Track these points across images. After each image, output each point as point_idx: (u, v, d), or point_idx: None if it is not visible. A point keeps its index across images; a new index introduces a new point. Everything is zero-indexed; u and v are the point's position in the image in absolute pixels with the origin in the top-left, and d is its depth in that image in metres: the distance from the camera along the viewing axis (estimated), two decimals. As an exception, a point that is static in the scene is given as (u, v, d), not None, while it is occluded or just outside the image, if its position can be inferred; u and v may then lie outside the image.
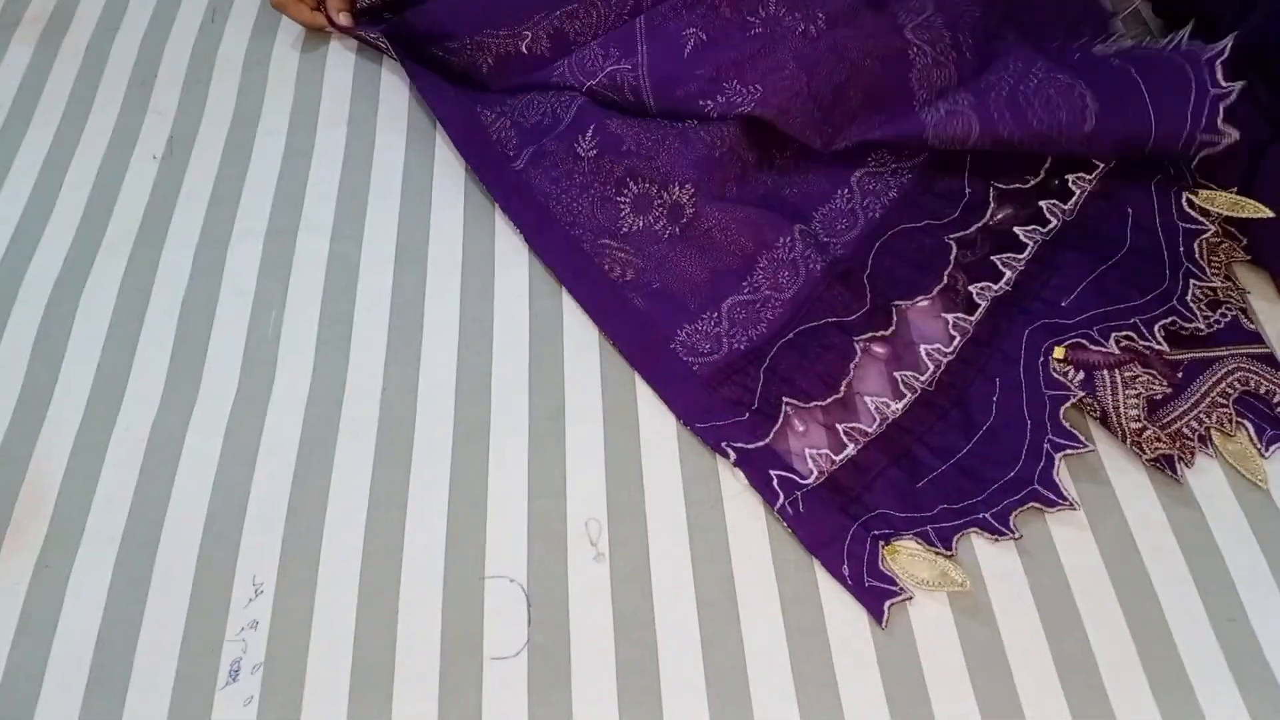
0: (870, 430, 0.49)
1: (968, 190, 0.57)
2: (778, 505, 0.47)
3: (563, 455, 0.50)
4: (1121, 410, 0.48)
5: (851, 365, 0.51)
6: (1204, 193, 0.52)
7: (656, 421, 0.51)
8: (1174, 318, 0.50)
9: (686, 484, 0.49)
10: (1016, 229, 0.55)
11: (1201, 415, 0.49)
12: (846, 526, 0.46)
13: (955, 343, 0.51)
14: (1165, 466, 0.48)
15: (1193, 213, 0.52)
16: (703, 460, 0.50)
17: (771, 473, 0.48)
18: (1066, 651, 0.44)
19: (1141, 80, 0.53)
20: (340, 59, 0.69)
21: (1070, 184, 0.55)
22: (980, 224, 0.55)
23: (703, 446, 0.50)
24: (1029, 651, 0.44)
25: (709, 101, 0.56)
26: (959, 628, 0.44)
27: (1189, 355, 0.50)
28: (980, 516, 0.47)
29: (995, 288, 0.53)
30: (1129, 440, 0.48)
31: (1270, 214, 0.50)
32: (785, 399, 0.50)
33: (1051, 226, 0.54)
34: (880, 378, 0.51)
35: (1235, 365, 0.50)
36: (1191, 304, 0.50)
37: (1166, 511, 0.47)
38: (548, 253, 0.57)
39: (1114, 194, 0.54)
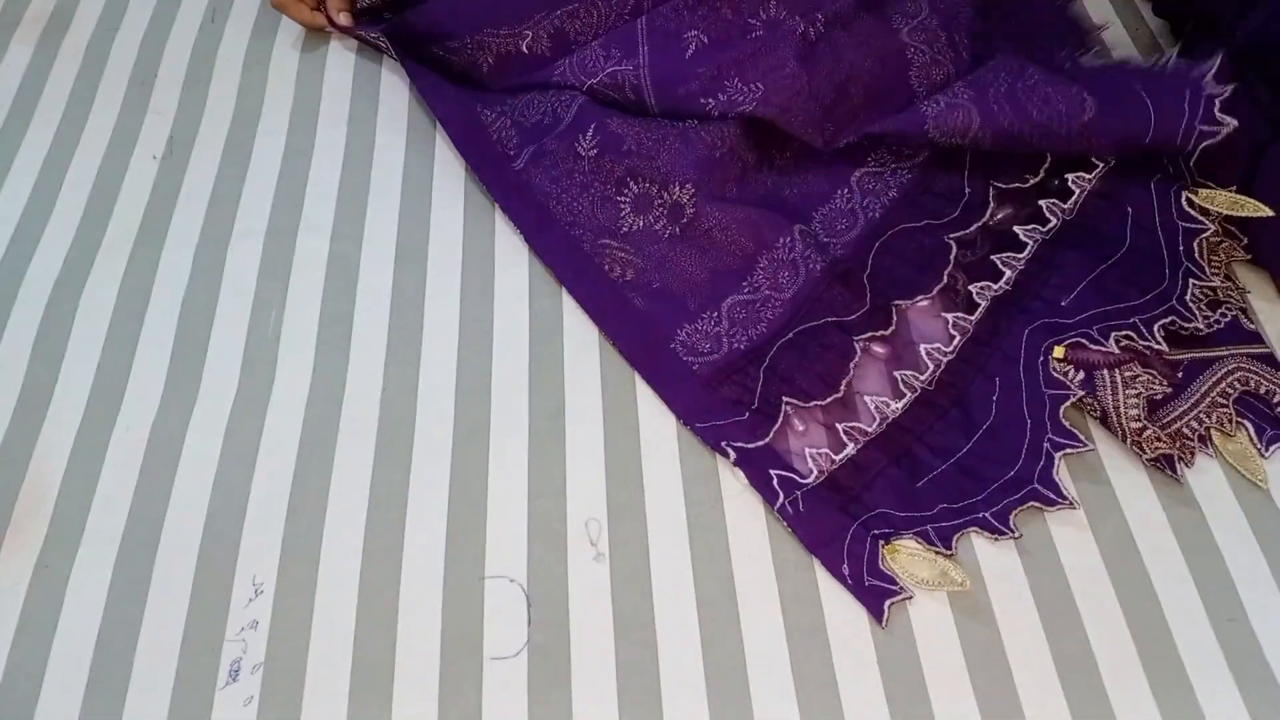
0: (870, 430, 0.49)
1: (967, 190, 0.57)
2: (778, 505, 0.47)
3: (563, 455, 0.50)
4: (1121, 410, 0.48)
5: (851, 365, 0.51)
6: (1204, 192, 0.52)
7: (656, 421, 0.51)
8: (1174, 317, 0.50)
9: (686, 484, 0.49)
10: (1016, 228, 0.55)
11: (1201, 415, 0.49)
12: (846, 526, 0.46)
13: (955, 342, 0.51)
14: (1165, 466, 0.48)
15: (1192, 212, 0.52)
16: (703, 460, 0.50)
17: (771, 472, 0.48)
18: (1066, 651, 0.44)
19: (1137, 82, 0.53)
20: (340, 59, 0.69)
21: (1070, 183, 0.55)
22: (980, 223, 0.55)
23: (703, 446, 0.50)
24: (1029, 651, 0.44)
25: (710, 100, 0.56)
26: (959, 627, 0.44)
27: (1189, 355, 0.50)
28: (980, 516, 0.47)
29: (995, 287, 0.53)
30: (1129, 440, 0.48)
31: (1270, 213, 0.50)
32: (785, 398, 0.50)
33: (1051, 226, 0.54)
34: (880, 377, 0.51)
35: (1235, 365, 0.50)
36: (1191, 303, 0.50)
37: (1166, 511, 0.47)
38: (548, 252, 0.57)
39: (1114, 193, 0.54)
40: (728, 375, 0.51)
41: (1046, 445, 0.48)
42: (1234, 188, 0.52)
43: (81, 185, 0.63)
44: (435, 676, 0.44)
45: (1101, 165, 0.55)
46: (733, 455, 0.48)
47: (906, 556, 0.46)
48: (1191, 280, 0.50)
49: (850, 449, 0.49)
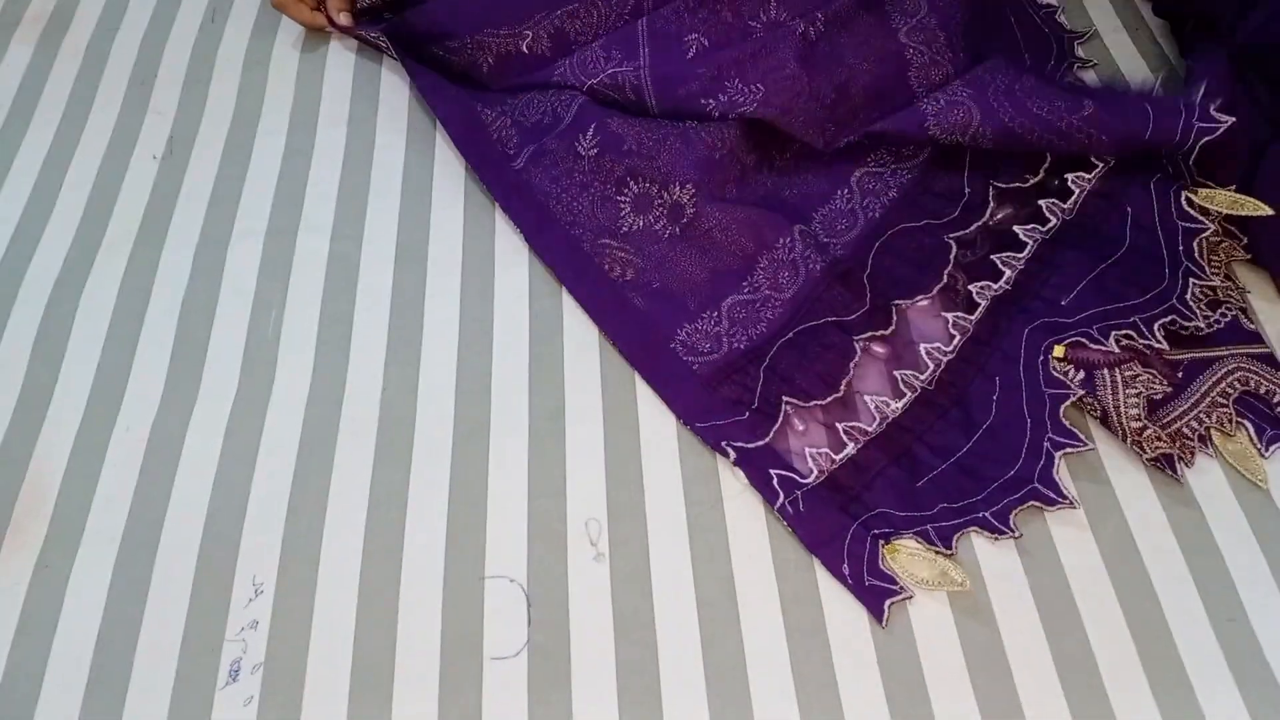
0: (870, 429, 0.49)
1: (967, 190, 0.57)
2: (778, 504, 0.47)
3: (563, 455, 0.50)
4: (1122, 409, 0.48)
5: (851, 364, 0.51)
6: (1203, 191, 0.52)
7: (656, 421, 0.51)
8: (1174, 317, 0.50)
9: (686, 484, 0.49)
10: (1016, 228, 0.55)
11: (1201, 415, 0.49)
12: (846, 525, 0.46)
13: (955, 341, 0.51)
14: (1165, 466, 0.48)
15: (1192, 211, 0.52)
16: (703, 460, 0.50)
17: (771, 472, 0.48)
18: (1066, 651, 0.44)
19: (1131, 93, 0.53)
20: (340, 59, 0.69)
21: (1070, 183, 0.55)
22: (980, 223, 0.55)
23: (703, 446, 0.50)
24: (1029, 651, 0.44)
25: (711, 100, 0.56)
26: (959, 627, 0.44)
27: (1189, 355, 0.50)
28: (980, 515, 0.47)
29: (995, 287, 0.53)
30: (1129, 440, 0.48)
31: (1270, 212, 0.50)
32: (785, 398, 0.50)
33: (1051, 225, 0.54)
34: (880, 377, 0.51)
35: (1235, 365, 0.50)
36: (1191, 303, 0.50)
37: (1166, 511, 0.47)
38: (548, 252, 0.57)
39: (1113, 193, 0.54)
40: (728, 375, 0.51)
41: (1046, 445, 0.48)
42: (1234, 187, 0.52)
43: (81, 185, 0.63)
44: (435, 676, 0.44)
45: (1101, 165, 0.55)
46: (733, 455, 0.48)
47: (906, 556, 0.46)
48: (1191, 280, 0.50)
49: (850, 449, 0.49)
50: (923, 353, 0.51)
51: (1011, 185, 0.56)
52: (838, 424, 0.49)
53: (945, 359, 0.51)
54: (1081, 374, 0.49)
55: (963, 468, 0.48)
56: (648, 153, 0.56)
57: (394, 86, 0.66)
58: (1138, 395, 0.48)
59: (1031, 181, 0.56)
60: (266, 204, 0.61)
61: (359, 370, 0.54)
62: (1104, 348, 0.49)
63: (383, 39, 0.65)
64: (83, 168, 0.64)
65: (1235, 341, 0.51)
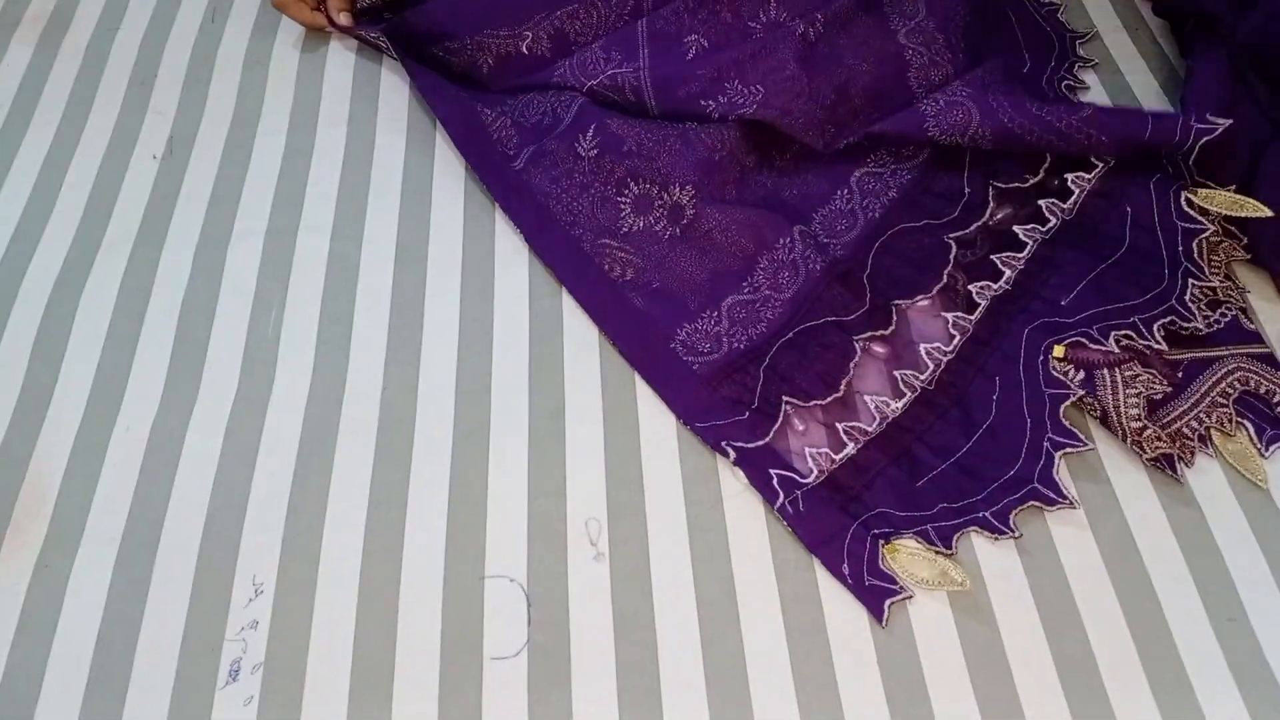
0: (870, 429, 0.49)
1: (967, 190, 0.57)
2: (778, 504, 0.47)
3: (563, 455, 0.50)
4: (1122, 409, 0.48)
5: (851, 364, 0.51)
6: (1203, 191, 0.52)
7: (656, 421, 0.51)
8: (1173, 317, 0.50)
9: (686, 484, 0.49)
10: (1016, 228, 0.55)
11: (1201, 415, 0.49)
12: (846, 525, 0.46)
13: (955, 341, 0.51)
14: (1165, 466, 0.48)
15: (1192, 212, 0.52)
16: (703, 460, 0.50)
17: (771, 472, 0.48)
18: (1066, 651, 0.44)
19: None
20: (340, 59, 0.69)
21: (1069, 183, 0.55)
22: (980, 223, 0.55)
23: (703, 446, 0.50)
24: (1029, 651, 0.44)
25: (711, 102, 0.56)
26: (959, 627, 0.44)
27: (1189, 355, 0.50)
28: (980, 515, 0.47)
29: (995, 287, 0.53)
30: (1129, 440, 0.48)
31: (1270, 213, 0.50)
32: (785, 398, 0.50)
33: (1051, 225, 0.54)
34: (880, 377, 0.51)
35: (1235, 365, 0.50)
36: (1191, 303, 0.50)
37: (1166, 511, 0.47)
38: (547, 252, 0.57)
39: (1113, 193, 0.54)
40: (728, 375, 0.51)
41: (1046, 444, 0.48)
42: (1234, 187, 0.52)
43: (81, 185, 0.63)
44: (435, 676, 0.44)
45: (1101, 165, 0.55)
46: (733, 455, 0.48)
47: (906, 556, 0.46)
48: (1191, 280, 0.50)
49: (850, 448, 0.49)
50: (923, 353, 0.51)
51: (1011, 185, 0.56)
52: (838, 424, 0.49)
53: (945, 359, 0.51)
54: (1081, 374, 0.49)
55: (963, 468, 0.48)
56: (648, 154, 0.56)
57: (394, 86, 0.66)
58: (1138, 395, 0.48)
59: (1031, 181, 0.56)
60: (266, 204, 0.61)
61: (359, 370, 0.54)
62: (1104, 348, 0.49)
63: (383, 39, 0.65)
64: (83, 168, 0.64)
65: (1235, 341, 0.51)
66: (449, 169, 0.62)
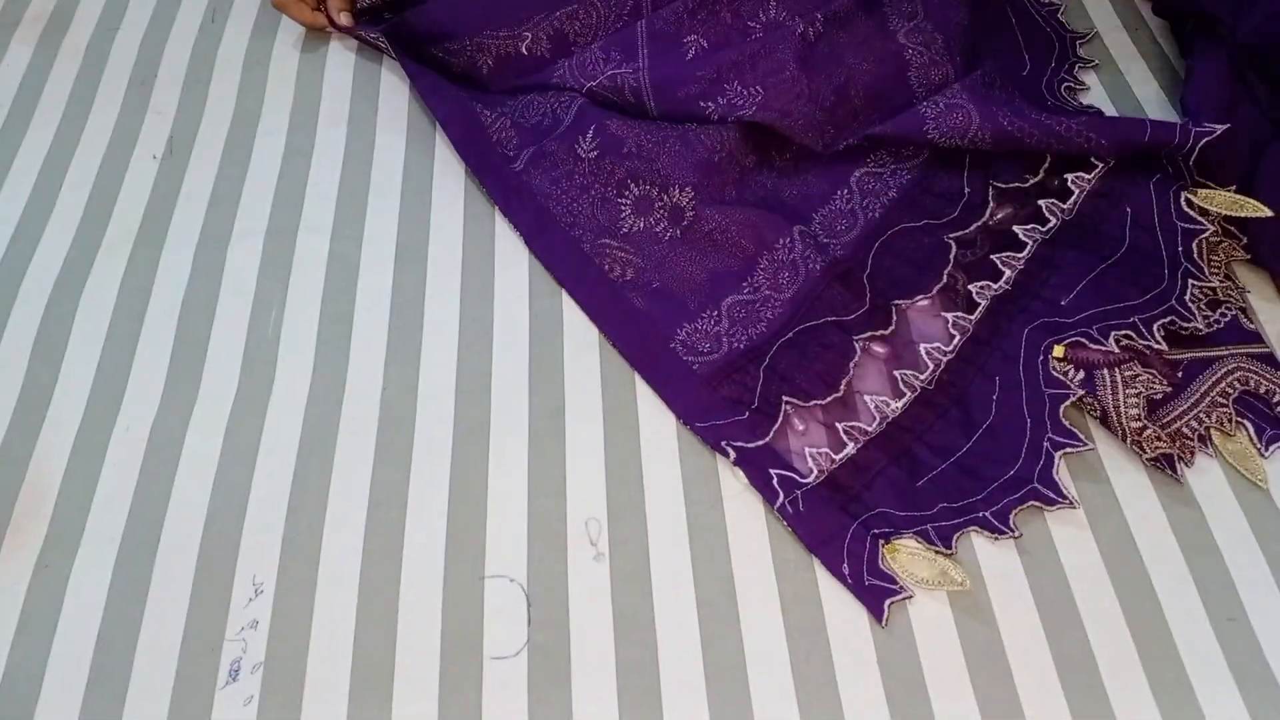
0: (870, 429, 0.49)
1: (967, 190, 0.57)
2: (777, 504, 0.47)
3: (563, 455, 0.50)
4: (1121, 409, 0.48)
5: (851, 364, 0.51)
6: (1203, 192, 0.52)
7: (656, 421, 0.51)
8: (1173, 317, 0.50)
9: (686, 484, 0.49)
10: (1016, 228, 0.55)
11: (1201, 415, 0.49)
12: (846, 525, 0.46)
13: (955, 341, 0.51)
14: (1165, 466, 0.48)
15: (1191, 212, 0.52)
16: (703, 460, 0.50)
17: (771, 471, 0.48)
18: (1066, 651, 0.44)
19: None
20: (340, 59, 0.69)
21: (1069, 183, 0.55)
22: (980, 223, 0.55)
23: (703, 446, 0.50)
24: (1029, 651, 0.44)
25: (710, 103, 0.56)
26: (959, 627, 0.44)
27: (1189, 355, 0.50)
28: (980, 515, 0.47)
29: (995, 287, 0.53)
30: (1129, 440, 0.48)
31: (1270, 213, 0.50)
32: (785, 398, 0.50)
33: (1051, 225, 0.54)
34: (880, 376, 0.51)
35: (1235, 365, 0.50)
36: (1190, 303, 0.50)
37: (1166, 511, 0.47)
38: (547, 253, 0.57)
39: (1113, 193, 0.54)
40: (728, 375, 0.51)
41: (1046, 444, 0.48)
42: (1234, 187, 0.52)
43: (81, 185, 0.63)
44: (435, 676, 0.44)
45: (1101, 165, 0.55)
46: (733, 455, 0.48)
47: (906, 556, 0.46)
48: (1191, 280, 0.51)
49: (850, 448, 0.49)
50: (922, 352, 0.51)
51: (1011, 185, 0.56)
52: (838, 424, 0.49)
53: (945, 359, 0.51)
54: (1081, 374, 0.49)
55: (963, 467, 0.48)
56: (648, 155, 0.56)
57: (394, 86, 0.66)
58: (1138, 395, 0.48)
59: (1031, 181, 0.56)
60: (266, 204, 0.61)
61: (359, 370, 0.54)
62: (1104, 348, 0.49)
63: (382, 39, 0.65)
64: (83, 168, 0.64)
65: (1235, 341, 0.51)
66: (449, 169, 0.62)
